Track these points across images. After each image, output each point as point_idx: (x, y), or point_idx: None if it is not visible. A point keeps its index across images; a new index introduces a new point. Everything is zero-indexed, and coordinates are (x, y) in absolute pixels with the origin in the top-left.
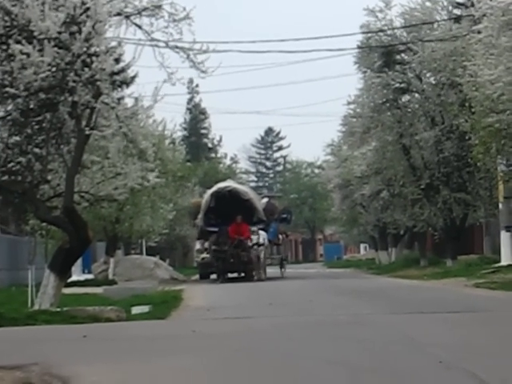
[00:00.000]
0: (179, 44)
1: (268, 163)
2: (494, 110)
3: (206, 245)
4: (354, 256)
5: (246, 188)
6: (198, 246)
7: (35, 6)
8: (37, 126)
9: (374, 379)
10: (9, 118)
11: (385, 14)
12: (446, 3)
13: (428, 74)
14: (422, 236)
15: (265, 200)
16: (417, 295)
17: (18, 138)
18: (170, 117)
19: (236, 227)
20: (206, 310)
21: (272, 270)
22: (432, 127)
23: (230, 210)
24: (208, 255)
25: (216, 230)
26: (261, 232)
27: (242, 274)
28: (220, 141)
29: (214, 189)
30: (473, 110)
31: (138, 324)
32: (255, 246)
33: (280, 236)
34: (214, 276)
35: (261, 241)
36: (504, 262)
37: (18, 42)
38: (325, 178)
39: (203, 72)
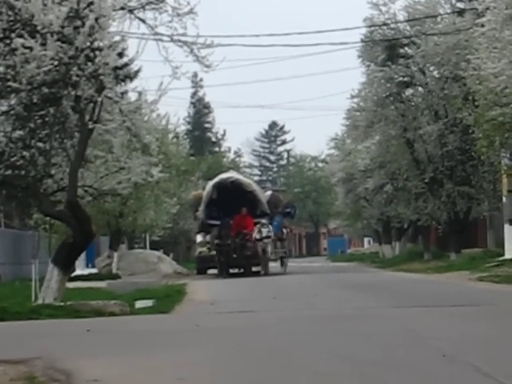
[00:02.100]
0: (183, 38)
1: (272, 157)
2: (498, 103)
3: (208, 238)
4: (357, 250)
5: (249, 180)
6: (199, 239)
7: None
8: (40, 121)
9: (378, 372)
10: (12, 112)
11: (388, 7)
12: None
13: (431, 68)
14: (425, 230)
15: (269, 192)
16: (420, 289)
17: (21, 133)
18: (174, 111)
19: (240, 220)
20: (210, 304)
21: (275, 264)
22: (435, 121)
23: (232, 201)
24: (206, 249)
25: (217, 222)
26: (268, 227)
27: (242, 270)
28: (224, 135)
29: (216, 180)
30: (476, 103)
31: (141, 318)
32: (264, 240)
33: (284, 230)
34: (211, 271)
35: (268, 234)
36: (508, 256)
37: (21, 36)
38: (328, 172)
39: (207, 66)
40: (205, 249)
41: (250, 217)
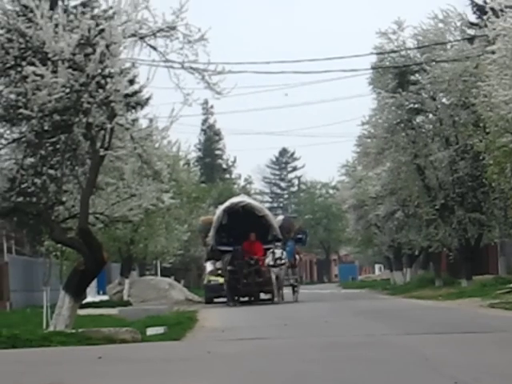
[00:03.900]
0: (194, 65)
1: (282, 184)
2: (509, 130)
3: (218, 265)
4: (368, 276)
5: (260, 204)
6: (209, 267)
7: (49, 27)
8: (51, 148)
9: None
10: (23, 139)
11: (398, 35)
12: (459, 24)
13: (441, 94)
14: (436, 256)
15: (281, 217)
16: (432, 316)
17: (32, 160)
18: (185, 138)
19: (248, 246)
20: (221, 331)
21: (286, 291)
22: (446, 147)
23: (243, 227)
24: (215, 277)
25: (228, 249)
26: (281, 250)
27: (252, 298)
28: (234, 162)
29: (227, 204)
30: (487, 130)
31: (153, 345)
32: (277, 265)
33: (296, 256)
34: (219, 300)
35: (282, 259)
36: None
37: (32, 64)
38: (339, 199)
39: (218, 93)
40: (214, 277)
41: (259, 242)
